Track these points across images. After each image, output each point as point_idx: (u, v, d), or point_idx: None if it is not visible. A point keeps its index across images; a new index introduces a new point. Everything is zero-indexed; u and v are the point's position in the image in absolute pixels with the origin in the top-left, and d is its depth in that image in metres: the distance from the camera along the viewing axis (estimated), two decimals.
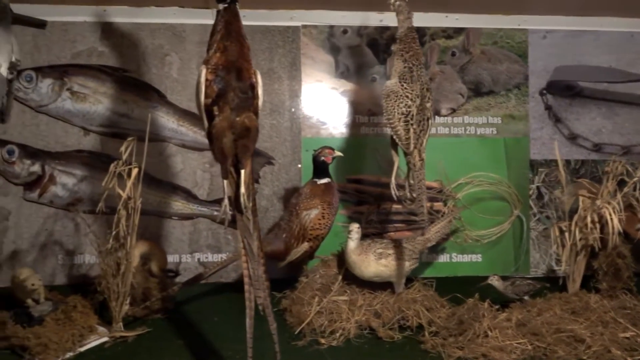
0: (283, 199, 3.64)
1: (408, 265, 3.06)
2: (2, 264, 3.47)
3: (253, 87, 2.43)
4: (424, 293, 3.07)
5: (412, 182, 2.80)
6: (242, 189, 2.36)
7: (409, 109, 2.67)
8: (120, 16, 3.57)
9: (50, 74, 3.52)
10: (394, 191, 2.85)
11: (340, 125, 3.68)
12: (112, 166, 2.79)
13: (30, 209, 3.51)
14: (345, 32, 3.70)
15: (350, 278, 3.09)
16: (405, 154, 2.74)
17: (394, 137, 2.72)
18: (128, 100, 3.56)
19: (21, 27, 3.48)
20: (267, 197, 3.63)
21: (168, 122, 3.58)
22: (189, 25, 3.62)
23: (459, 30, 3.74)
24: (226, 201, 2.40)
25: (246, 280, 2.39)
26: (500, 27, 3.77)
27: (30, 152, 3.51)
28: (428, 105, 2.74)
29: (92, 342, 2.80)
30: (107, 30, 3.56)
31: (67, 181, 3.52)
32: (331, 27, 3.69)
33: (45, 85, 3.51)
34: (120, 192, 2.80)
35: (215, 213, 3.60)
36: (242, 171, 2.37)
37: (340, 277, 3.10)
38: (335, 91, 3.69)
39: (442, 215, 3.64)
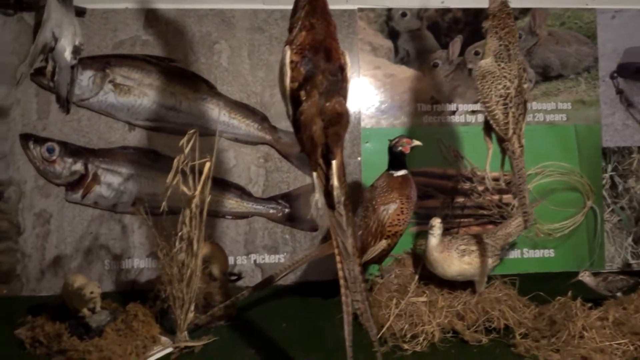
0: None
1: (491, 262, 2.85)
2: (45, 271, 3.23)
3: (342, 69, 2.20)
4: (506, 292, 2.87)
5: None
6: (335, 182, 2.12)
7: (507, 91, 2.45)
8: (165, 2, 3.35)
9: (91, 66, 3.29)
10: (488, 181, 2.62)
11: (402, 115, 3.45)
12: (175, 161, 2.54)
13: (74, 211, 3.28)
14: (404, 15, 3.48)
15: (427, 277, 2.88)
16: (502, 141, 2.50)
17: (491, 121, 2.49)
18: (175, 92, 3.32)
19: None
20: None
21: (219, 114, 3.34)
22: (239, 11, 3.39)
23: (524, 11, 3.52)
24: (317, 196, 2.15)
25: (342, 282, 2.15)
26: (567, 7, 3.55)
27: (72, 150, 3.28)
28: (525, 86, 2.51)
29: (157, 354, 2.59)
30: (151, 18, 3.33)
31: (112, 180, 3.28)
32: (389, 9, 3.47)
33: (86, 77, 3.27)
34: (185, 189, 2.56)
35: (272, 211, 3.36)
36: (333, 162, 2.13)
37: (416, 277, 2.87)
38: (395, 78, 3.45)
39: (512, 209, 3.42)
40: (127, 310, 2.70)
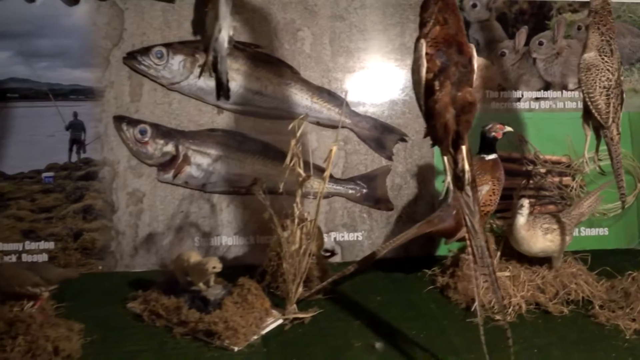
0: (416, 177, 3.59)
1: (568, 240, 3.06)
2: (138, 248, 3.35)
3: (470, 61, 2.38)
4: (578, 267, 3.09)
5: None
6: (467, 166, 2.30)
7: (609, 83, 2.66)
8: None
9: (182, 50, 3.38)
10: (586, 164, 2.84)
11: None
12: (292, 144, 2.70)
13: (165, 191, 3.40)
14: (474, 5, 3.66)
15: (507, 254, 3.08)
16: (601, 128, 2.72)
17: (593, 111, 2.71)
18: (261, 77, 3.45)
19: (150, 2, 3.36)
20: (400, 174, 3.58)
21: (302, 99, 3.49)
22: None
23: (584, 4, 3.72)
24: (449, 178, 2.34)
25: (470, 258, 2.34)
26: (622, 1, 3.77)
27: (163, 132, 3.38)
28: (622, 78, 2.73)
29: (271, 325, 2.74)
30: (238, 5, 3.41)
31: (201, 161, 3.41)
32: (461, 1, 3.64)
33: (177, 62, 3.37)
34: (300, 171, 2.73)
35: (350, 191, 3.54)
36: (463, 147, 2.31)
37: (498, 253, 3.08)
38: None
39: (571, 190, 3.65)
40: (242, 284, 2.84)
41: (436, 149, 3.45)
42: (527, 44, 3.70)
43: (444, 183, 2.39)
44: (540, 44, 3.68)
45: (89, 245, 3.32)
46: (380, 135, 3.55)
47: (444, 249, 3.46)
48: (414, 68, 2.37)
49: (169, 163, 3.39)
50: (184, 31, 3.39)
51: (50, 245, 3.29)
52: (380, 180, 3.55)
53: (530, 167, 3.64)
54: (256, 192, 2.75)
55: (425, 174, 3.58)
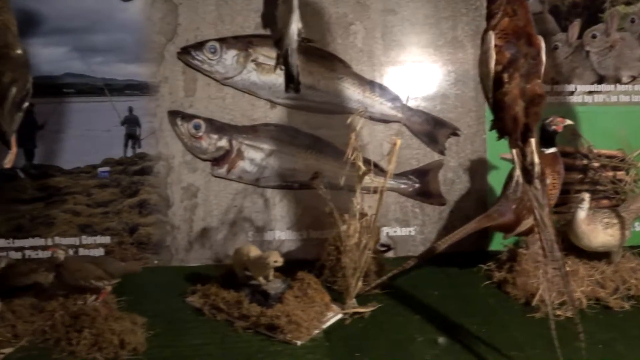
0: (469, 171, 3.57)
1: (627, 234, 3.03)
2: (193, 242, 3.37)
3: (539, 53, 2.35)
4: (637, 262, 3.06)
5: None
6: (536, 158, 2.28)
7: None
8: None
9: (235, 45, 3.39)
10: None
11: None
12: (352, 139, 2.69)
13: (219, 185, 3.41)
14: None
15: (565, 249, 3.04)
16: None
17: None
18: (314, 71, 3.44)
19: None
20: (453, 169, 3.56)
21: (354, 93, 3.49)
22: None
23: None
24: (518, 172, 2.32)
25: (540, 252, 2.32)
26: None
27: (217, 127, 3.40)
28: None
29: (331, 319, 2.74)
30: None
31: (254, 156, 3.42)
32: None
33: (230, 56, 3.38)
34: (361, 165, 2.72)
35: (403, 186, 3.52)
36: (532, 140, 2.29)
37: None
38: None
39: (625, 185, 3.61)
40: (302, 279, 2.85)
41: (489, 142, 3.49)
42: (580, 37, 3.65)
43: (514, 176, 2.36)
44: (594, 36, 3.64)
45: (144, 239, 3.34)
46: (433, 129, 3.53)
47: (497, 244, 3.43)
48: (482, 60, 2.35)
49: (223, 158, 3.40)
50: (237, 26, 3.40)
51: (107, 239, 3.32)
52: (433, 175, 3.53)
53: (584, 162, 3.59)
54: (316, 186, 2.75)
55: (477, 169, 3.55)
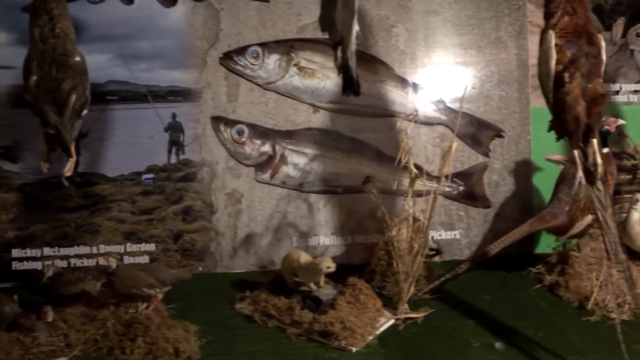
0: (514, 173, 3.52)
1: None
2: (237, 248, 3.35)
3: (600, 52, 2.31)
4: None
5: None
6: (599, 159, 2.24)
7: None
8: None
9: (277, 50, 3.37)
10: None
11: None
12: (403, 142, 2.67)
13: (263, 191, 3.39)
14: None
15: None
16: None
17: None
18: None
19: (245, 2, 3.36)
20: (497, 170, 3.52)
21: (397, 96, 3.45)
22: None
23: None
24: (580, 172, 2.27)
25: (605, 255, 2.27)
26: None
27: (260, 132, 3.38)
28: None
29: (385, 325, 2.71)
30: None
31: (298, 161, 3.40)
32: None
33: (272, 61, 3.36)
34: (413, 168, 2.69)
35: (447, 189, 3.48)
36: (594, 140, 2.25)
37: None
38: None
39: None
40: (353, 284, 2.82)
41: (534, 144, 3.45)
42: (624, 35, 3.60)
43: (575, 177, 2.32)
44: (638, 35, 3.58)
45: (189, 246, 3.33)
46: (477, 131, 3.49)
47: (543, 246, 3.38)
48: (542, 60, 2.31)
49: (266, 163, 3.38)
50: (279, 30, 3.38)
51: (151, 247, 3.30)
52: (477, 178, 3.49)
53: (631, 162, 3.53)
54: (368, 191, 2.72)
55: (522, 170, 3.51)
